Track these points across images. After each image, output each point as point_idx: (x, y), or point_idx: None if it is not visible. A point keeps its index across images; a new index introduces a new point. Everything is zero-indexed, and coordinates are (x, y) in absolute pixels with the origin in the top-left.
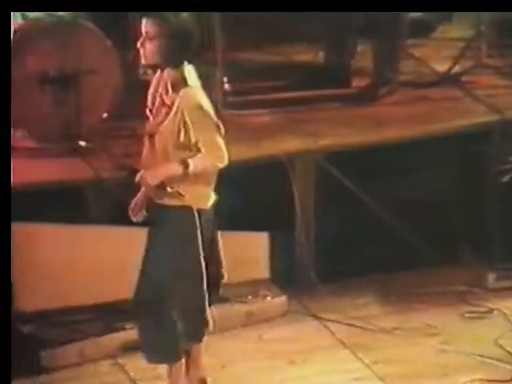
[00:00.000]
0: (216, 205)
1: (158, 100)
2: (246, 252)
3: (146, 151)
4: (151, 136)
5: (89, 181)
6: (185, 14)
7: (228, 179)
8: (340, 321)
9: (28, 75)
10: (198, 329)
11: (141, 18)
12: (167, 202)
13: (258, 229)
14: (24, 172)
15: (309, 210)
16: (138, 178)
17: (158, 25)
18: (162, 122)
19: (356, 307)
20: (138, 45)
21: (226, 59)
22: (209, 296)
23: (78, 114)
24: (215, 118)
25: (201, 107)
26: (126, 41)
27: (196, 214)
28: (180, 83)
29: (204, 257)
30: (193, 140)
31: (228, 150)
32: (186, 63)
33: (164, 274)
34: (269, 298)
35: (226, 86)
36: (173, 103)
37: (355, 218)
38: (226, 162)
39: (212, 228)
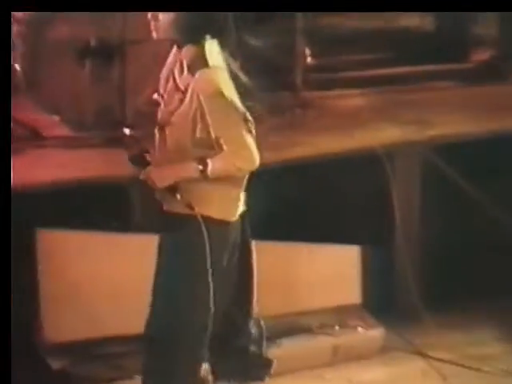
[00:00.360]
0: (290, 209)
1: (170, 83)
2: (332, 270)
3: (156, 146)
4: (162, 128)
5: (134, 177)
6: None
7: (308, 177)
8: (452, 361)
9: (62, 47)
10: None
11: None
12: (176, 209)
13: (347, 241)
14: (56, 166)
15: (412, 217)
16: (143, 175)
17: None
18: (175, 110)
19: (472, 343)
20: (149, 16)
21: (308, 25)
22: (237, 323)
23: (121, 94)
24: (242, 109)
25: (221, 93)
26: None
27: (203, 228)
28: (199, 63)
29: (230, 276)
30: (213, 135)
31: (310, 140)
32: (208, 38)
33: (176, 297)
34: (361, 330)
35: (309, 60)
36: (187, 87)
37: (470, 226)
38: (255, 164)
39: (238, 241)
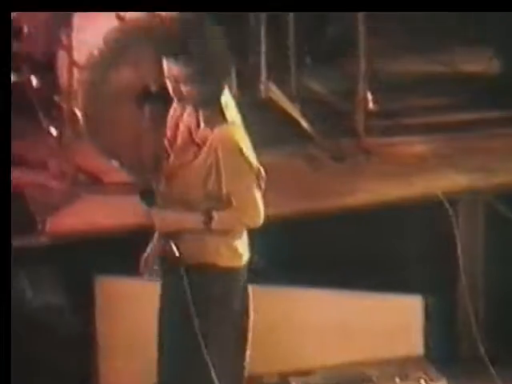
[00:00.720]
0: (351, 257)
1: (183, 133)
2: (394, 320)
3: (163, 192)
4: (171, 177)
5: None
6: (212, 43)
7: (370, 224)
8: None
9: (123, 90)
10: None
11: (261, 22)
12: (170, 255)
13: (409, 290)
14: (115, 213)
15: (476, 266)
16: (147, 215)
17: (186, 66)
18: (188, 163)
19: None
20: (171, 92)
21: (370, 69)
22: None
23: None
24: (256, 164)
25: (241, 151)
26: (244, 48)
27: (184, 276)
28: (217, 118)
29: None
30: (224, 190)
31: (372, 186)
32: (225, 91)
33: (178, 350)
34: (423, 382)
35: (371, 105)
36: (204, 141)
37: None
38: (260, 222)
39: (232, 291)
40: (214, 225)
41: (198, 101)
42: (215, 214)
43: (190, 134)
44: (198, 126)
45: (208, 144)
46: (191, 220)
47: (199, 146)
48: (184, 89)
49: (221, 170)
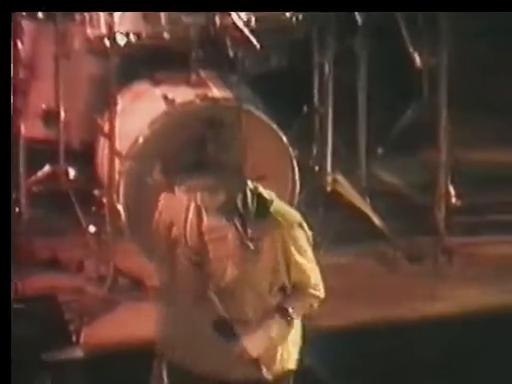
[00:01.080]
0: (425, 372)
1: (226, 244)
2: None
3: (232, 312)
4: (231, 295)
5: None
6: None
7: (450, 337)
8: None
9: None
10: None
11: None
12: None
13: None
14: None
15: None
16: (231, 342)
17: (207, 176)
18: (250, 270)
19: None
20: (203, 208)
21: (452, 159)
22: None
23: None
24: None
25: (301, 225)
26: (308, 136)
27: None
28: (261, 204)
29: None
30: (296, 278)
31: (453, 293)
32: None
33: None
34: None
35: (453, 200)
36: (261, 237)
37: None
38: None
39: None
40: (294, 316)
41: (231, 205)
42: (287, 306)
43: (240, 240)
44: (243, 225)
45: (265, 235)
46: (275, 328)
47: (255, 243)
48: (211, 198)
49: (290, 254)
